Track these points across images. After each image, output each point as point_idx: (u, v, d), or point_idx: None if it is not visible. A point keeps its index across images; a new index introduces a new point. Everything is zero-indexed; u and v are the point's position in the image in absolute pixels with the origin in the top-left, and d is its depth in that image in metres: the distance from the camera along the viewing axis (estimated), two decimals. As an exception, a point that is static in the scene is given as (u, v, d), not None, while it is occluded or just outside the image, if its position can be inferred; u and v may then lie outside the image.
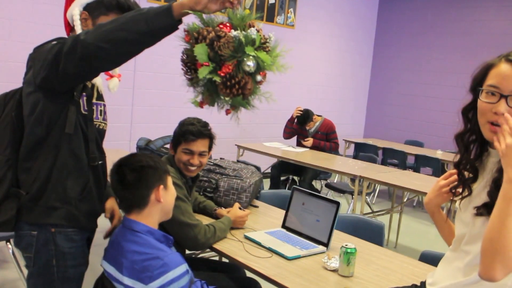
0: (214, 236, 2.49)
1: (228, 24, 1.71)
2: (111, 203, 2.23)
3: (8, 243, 3.42)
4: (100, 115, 2.04)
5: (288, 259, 2.35)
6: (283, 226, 2.77)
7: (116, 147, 5.43)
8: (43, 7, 5.45)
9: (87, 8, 1.95)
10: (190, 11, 1.60)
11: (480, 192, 1.53)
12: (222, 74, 1.65)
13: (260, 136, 7.69)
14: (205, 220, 2.73)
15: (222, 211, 2.83)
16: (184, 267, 1.78)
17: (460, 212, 1.62)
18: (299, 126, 6.40)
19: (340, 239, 2.61)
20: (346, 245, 2.22)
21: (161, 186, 1.87)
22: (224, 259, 3.19)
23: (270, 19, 7.81)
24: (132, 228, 1.84)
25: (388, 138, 8.98)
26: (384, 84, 9.81)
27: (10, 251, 3.48)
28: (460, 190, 1.62)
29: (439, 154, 7.02)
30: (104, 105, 2.08)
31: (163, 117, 6.64)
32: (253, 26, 1.76)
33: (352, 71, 9.63)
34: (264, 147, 6.28)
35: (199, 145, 2.56)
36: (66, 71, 1.69)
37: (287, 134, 6.54)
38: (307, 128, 6.39)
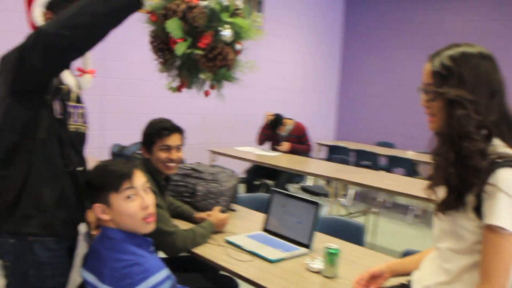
0: (193, 242, 2.44)
1: (195, 1, 1.60)
2: (92, 216, 2.15)
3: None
4: (80, 118, 1.98)
5: (271, 261, 2.31)
6: (264, 229, 2.73)
7: (87, 154, 5.29)
8: (10, 14, 5.30)
9: (49, 6, 1.87)
10: None
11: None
12: (203, 46, 1.54)
13: (232, 141, 7.64)
14: (183, 225, 2.67)
15: (202, 215, 2.78)
16: (166, 271, 1.74)
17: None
18: (271, 131, 6.38)
19: (322, 240, 2.58)
20: (329, 245, 2.20)
21: (98, 205, 1.76)
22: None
23: (240, 23, 7.79)
24: (109, 235, 1.77)
25: (359, 140, 9.03)
26: (353, 86, 9.88)
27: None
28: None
29: (410, 154, 7.09)
30: (83, 108, 2.02)
31: (134, 124, 6.52)
32: None
33: (322, 74, 9.68)
34: (237, 152, 6.24)
35: (175, 139, 2.55)
36: (33, 66, 1.63)
37: (261, 141, 6.53)
38: (279, 132, 6.38)
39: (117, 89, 6.36)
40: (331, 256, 2.18)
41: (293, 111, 8.42)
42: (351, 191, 7.15)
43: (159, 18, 1.56)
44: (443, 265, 1.56)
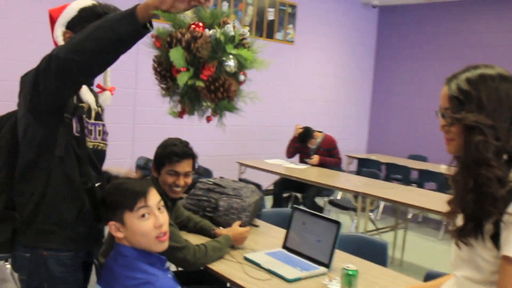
0: (205, 256, 2.44)
1: (200, 24, 1.57)
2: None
3: (6, 263, 3.41)
4: (99, 135, 2.00)
5: (288, 281, 2.28)
6: (284, 246, 2.71)
7: (118, 165, 5.39)
8: (40, 26, 5.44)
9: (69, 26, 1.90)
10: (157, 13, 1.48)
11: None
12: (204, 78, 1.51)
13: (261, 153, 7.64)
14: (202, 240, 2.67)
15: (222, 231, 2.78)
16: (177, 291, 1.74)
17: None
18: (300, 144, 6.34)
19: (342, 259, 2.55)
20: (347, 266, 2.16)
21: (113, 222, 1.78)
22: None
23: (270, 35, 7.81)
24: (122, 253, 1.79)
25: (391, 153, 8.90)
26: (386, 98, 9.77)
27: (8, 270, 3.48)
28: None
29: (443, 168, 6.94)
30: (103, 125, 2.04)
31: (165, 135, 6.58)
32: (227, 23, 1.59)
33: (353, 86, 9.61)
34: (266, 164, 6.23)
35: (184, 166, 2.53)
36: (46, 88, 1.66)
37: (290, 154, 6.49)
38: (309, 145, 6.33)
39: (149, 101, 6.44)
40: (349, 277, 2.14)
41: (324, 123, 8.38)
42: (380, 206, 7.05)
43: (163, 45, 1.56)
44: None
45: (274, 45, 7.86)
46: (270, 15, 7.76)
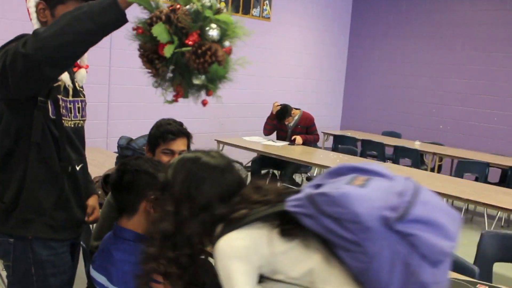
0: None
1: (178, 6, 1.55)
2: (93, 201, 2.11)
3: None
4: (78, 112, 1.92)
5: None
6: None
7: (93, 145, 5.29)
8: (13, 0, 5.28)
9: None
10: (135, 1, 1.47)
11: None
12: (190, 43, 1.50)
13: (239, 130, 7.63)
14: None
15: None
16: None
17: None
18: (277, 121, 6.35)
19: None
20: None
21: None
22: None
23: (246, 11, 7.74)
24: (122, 236, 1.76)
25: (365, 129, 9.00)
26: (360, 75, 9.81)
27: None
28: None
29: (417, 145, 7.07)
30: (82, 101, 1.96)
31: (140, 114, 6.51)
32: None
33: (329, 63, 9.62)
34: (244, 142, 6.23)
35: (179, 144, 2.49)
36: (16, 84, 1.56)
37: (268, 131, 6.50)
38: (286, 122, 6.35)
39: (123, 78, 6.34)
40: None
41: (300, 100, 8.40)
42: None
43: (145, 29, 1.51)
44: None
45: (251, 22, 7.79)
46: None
